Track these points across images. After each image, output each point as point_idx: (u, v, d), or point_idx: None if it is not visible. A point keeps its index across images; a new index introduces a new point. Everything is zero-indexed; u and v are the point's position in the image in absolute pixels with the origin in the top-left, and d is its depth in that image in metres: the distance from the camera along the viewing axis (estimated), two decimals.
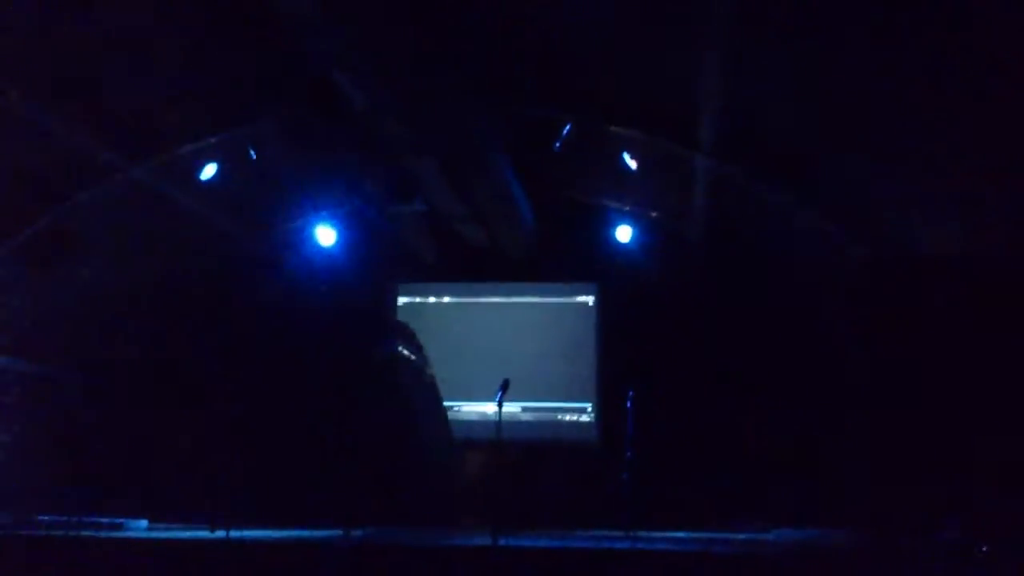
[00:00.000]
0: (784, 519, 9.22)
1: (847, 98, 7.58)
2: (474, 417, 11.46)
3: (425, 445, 10.28)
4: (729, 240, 10.84)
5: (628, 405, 8.59)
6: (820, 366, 9.98)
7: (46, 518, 8.74)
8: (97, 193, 9.80)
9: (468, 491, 11.19)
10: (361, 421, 9.82)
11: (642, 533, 8.00)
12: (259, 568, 6.59)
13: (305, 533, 8.50)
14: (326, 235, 11.35)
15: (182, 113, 9.31)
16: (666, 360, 10.84)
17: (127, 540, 7.70)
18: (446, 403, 11.50)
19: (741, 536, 9.04)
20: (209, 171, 9.83)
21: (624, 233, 10.97)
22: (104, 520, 8.93)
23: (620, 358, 11.17)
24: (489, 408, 10.78)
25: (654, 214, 11.29)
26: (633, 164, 9.58)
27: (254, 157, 9.76)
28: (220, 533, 7.71)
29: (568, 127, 9.39)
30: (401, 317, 12.04)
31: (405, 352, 10.47)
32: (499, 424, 7.24)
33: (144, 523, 9.40)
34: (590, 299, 11.81)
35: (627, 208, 11.26)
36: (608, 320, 11.66)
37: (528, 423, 11.33)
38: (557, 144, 9.48)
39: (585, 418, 11.44)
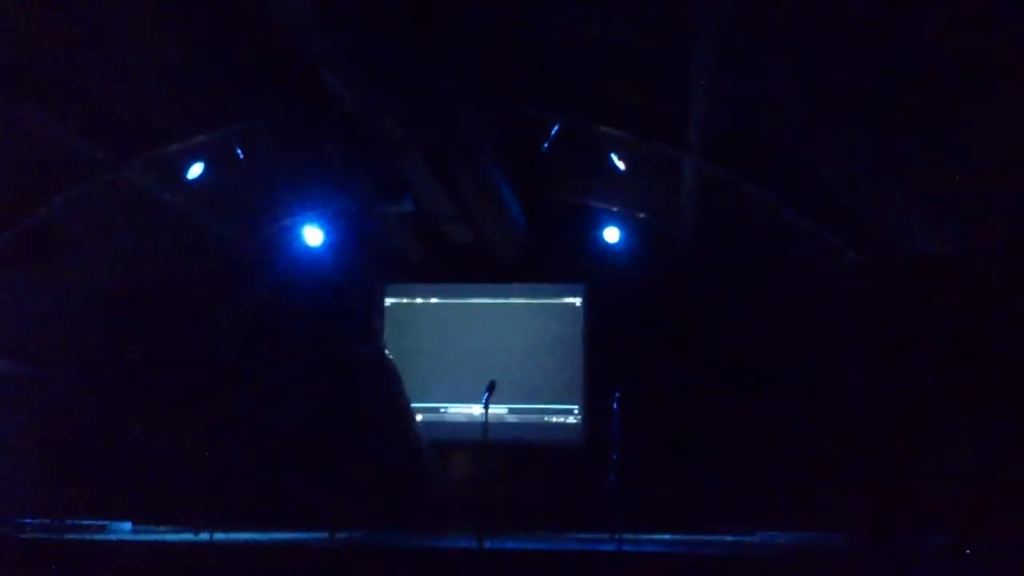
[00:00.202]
0: (770, 521, 9.24)
1: (839, 98, 7.59)
2: (460, 419, 11.44)
3: (413, 445, 10.26)
4: (718, 241, 10.86)
5: (615, 407, 8.57)
6: (809, 368, 10.00)
7: (30, 520, 8.69)
8: (83, 193, 9.74)
9: (454, 493, 11.16)
10: (350, 421, 9.79)
11: (629, 535, 7.98)
12: (244, 570, 6.57)
13: (290, 536, 8.47)
14: (313, 235, 11.32)
15: (169, 112, 9.27)
16: (654, 361, 10.84)
17: (111, 542, 7.67)
18: (433, 404, 11.49)
19: (727, 538, 9.06)
20: (196, 170, 9.78)
21: (612, 234, 10.97)
22: (88, 522, 8.89)
23: (607, 359, 11.15)
24: (475, 410, 10.76)
25: (642, 215, 11.29)
26: (621, 165, 9.57)
27: (241, 156, 9.71)
28: (205, 535, 7.68)
29: (556, 127, 9.38)
30: (388, 318, 12.02)
31: (387, 351, 10.46)
32: (485, 426, 7.23)
33: (128, 525, 9.35)
34: (577, 300, 11.80)
35: (615, 209, 11.26)
36: (595, 321, 11.65)
37: (514, 425, 11.32)
38: (545, 144, 9.46)
39: (572, 420, 11.43)
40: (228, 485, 9.40)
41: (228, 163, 9.78)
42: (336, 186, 10.43)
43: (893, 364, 7.28)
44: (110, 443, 10.77)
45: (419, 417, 11.45)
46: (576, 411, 11.44)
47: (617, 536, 7.87)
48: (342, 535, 8.17)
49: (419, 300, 12.12)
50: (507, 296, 11.96)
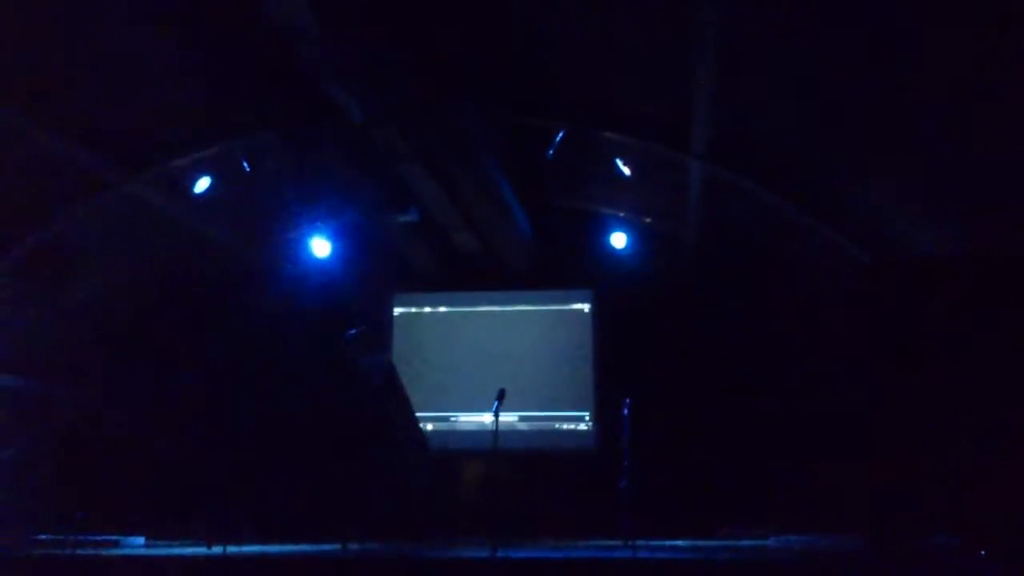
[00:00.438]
0: (784, 525, 9.19)
1: (843, 101, 7.57)
2: (471, 427, 11.43)
3: (426, 454, 10.25)
4: (725, 245, 10.83)
5: (625, 413, 8.55)
6: (818, 371, 9.96)
7: (43, 536, 8.70)
8: (92, 208, 9.77)
9: (466, 502, 11.15)
10: (363, 432, 9.77)
11: (642, 542, 7.96)
12: None
13: (303, 548, 8.46)
14: (321, 246, 11.32)
15: (175, 126, 9.30)
16: (664, 365, 10.82)
17: (124, 558, 7.65)
18: (443, 413, 11.49)
19: (742, 543, 9.02)
20: (203, 184, 9.80)
21: (619, 239, 10.95)
22: (101, 538, 8.88)
23: (617, 365, 11.14)
24: (486, 418, 10.75)
25: (649, 220, 11.28)
26: (627, 170, 9.56)
27: (248, 169, 9.73)
28: (217, 549, 7.67)
29: (561, 134, 9.37)
30: (397, 327, 12.02)
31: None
32: (495, 434, 7.21)
33: (141, 540, 9.35)
34: (586, 306, 11.79)
35: (622, 214, 11.24)
36: (604, 327, 11.63)
37: (525, 433, 11.30)
38: (550, 151, 9.46)
39: (583, 426, 11.41)
40: (240, 498, 9.40)
41: (234, 176, 9.79)
42: (343, 197, 10.45)
43: (903, 365, 7.25)
44: (122, 457, 10.78)
45: (430, 426, 11.47)
46: (587, 418, 11.41)
47: (631, 543, 7.85)
48: (355, 547, 8.16)
49: (427, 309, 12.12)
50: (515, 303, 11.96)
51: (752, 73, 7.69)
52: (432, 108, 8.12)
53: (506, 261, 11.47)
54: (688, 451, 10.37)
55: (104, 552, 8.01)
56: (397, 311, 12.14)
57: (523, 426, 11.33)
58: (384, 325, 11.95)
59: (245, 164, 9.70)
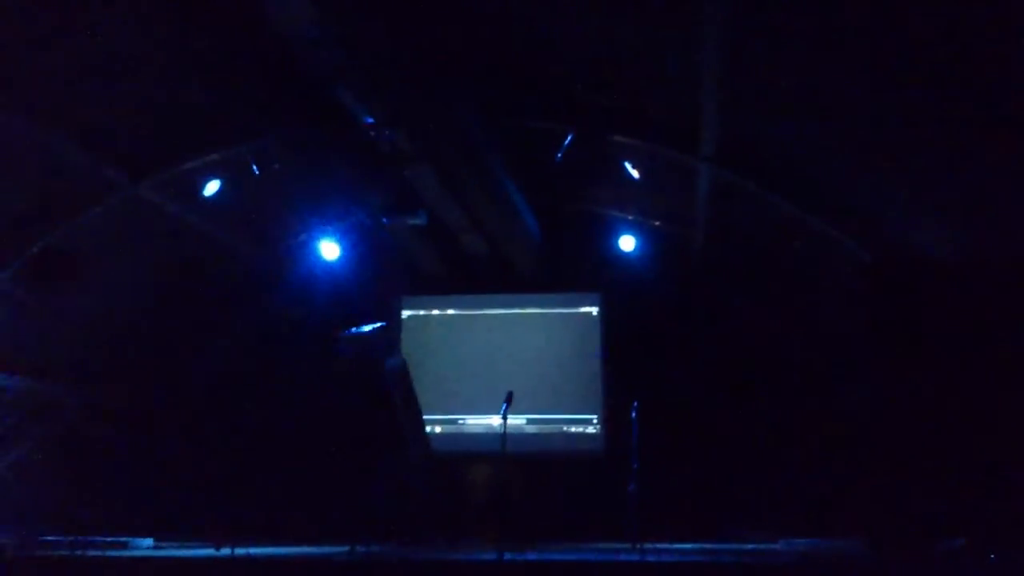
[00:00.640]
0: (792, 528, 9.18)
1: (849, 103, 7.56)
2: (479, 430, 11.43)
3: (430, 457, 10.24)
4: (733, 247, 10.82)
5: (633, 416, 8.55)
6: (826, 373, 9.95)
7: (51, 538, 8.73)
8: (100, 211, 9.80)
9: (474, 505, 11.16)
10: (372, 434, 9.77)
11: (649, 545, 7.95)
12: None
13: (311, 550, 8.47)
14: (330, 249, 11.35)
15: (184, 130, 9.32)
16: (671, 368, 10.83)
17: (132, 559, 7.68)
18: (451, 416, 11.51)
19: (749, 546, 9.00)
20: (212, 187, 9.83)
21: (627, 242, 10.94)
22: (109, 539, 8.91)
23: (625, 367, 11.14)
24: (494, 421, 10.76)
25: (657, 223, 11.27)
26: (635, 173, 9.56)
27: (257, 173, 9.75)
28: (225, 551, 7.68)
29: (569, 137, 9.38)
30: (405, 330, 12.03)
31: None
32: (503, 437, 7.21)
33: (149, 541, 9.37)
34: (594, 309, 11.79)
35: (630, 217, 11.24)
36: (612, 330, 11.62)
37: (533, 435, 11.30)
38: (559, 155, 9.46)
39: (591, 429, 11.40)
40: (248, 500, 9.42)
41: (244, 180, 9.82)
42: (351, 200, 10.47)
43: (909, 366, 7.24)
44: (130, 459, 10.81)
45: (438, 429, 11.48)
46: (595, 420, 11.40)
47: (638, 545, 7.84)
48: (362, 549, 8.16)
49: (436, 312, 12.13)
50: (523, 306, 11.96)
51: (759, 76, 7.68)
52: (440, 111, 8.13)
53: (514, 264, 11.47)
54: (696, 454, 10.36)
55: (112, 554, 8.03)
56: (405, 314, 12.15)
57: (531, 429, 11.32)
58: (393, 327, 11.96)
59: (254, 167, 9.71)
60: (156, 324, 11.31)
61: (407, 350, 11.89)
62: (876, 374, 7.73)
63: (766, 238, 10.36)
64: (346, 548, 8.14)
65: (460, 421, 11.54)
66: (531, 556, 7.01)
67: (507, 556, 6.57)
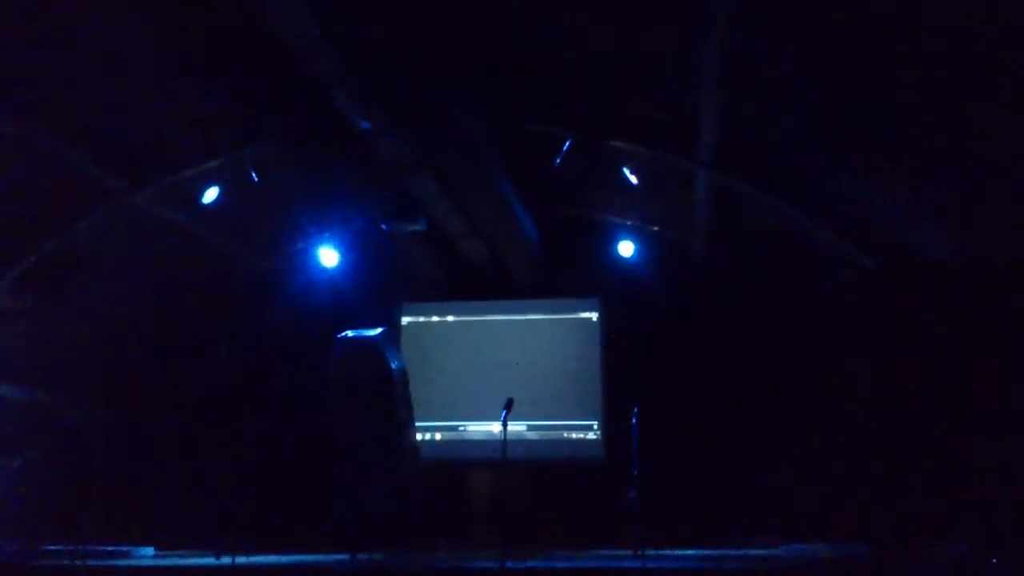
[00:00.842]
0: (794, 533, 9.17)
1: (849, 107, 7.56)
2: (480, 437, 11.41)
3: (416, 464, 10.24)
4: (732, 252, 10.83)
5: (633, 421, 8.54)
6: (827, 378, 9.94)
7: (52, 547, 8.71)
8: (99, 219, 9.80)
9: (474, 512, 11.14)
10: (376, 438, 9.74)
11: (651, 551, 7.94)
12: None
13: (311, 558, 8.45)
14: (329, 256, 11.34)
15: (182, 137, 9.32)
16: (672, 374, 10.82)
17: (133, 568, 7.66)
18: (451, 423, 11.49)
19: (752, 552, 8.98)
20: (211, 194, 9.82)
21: (626, 248, 10.94)
22: (110, 548, 8.89)
23: (625, 374, 11.13)
24: (494, 427, 10.74)
25: (656, 228, 11.27)
26: (634, 178, 9.56)
27: (256, 180, 9.75)
28: (226, 559, 7.66)
29: (568, 143, 9.38)
30: (405, 336, 12.02)
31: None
32: (504, 443, 7.20)
33: (150, 550, 9.36)
34: (594, 315, 11.78)
35: (629, 222, 11.25)
36: (612, 335, 11.61)
37: (534, 442, 11.28)
38: (557, 160, 9.46)
39: (591, 435, 11.38)
40: (249, 508, 9.40)
41: (242, 186, 9.81)
42: (350, 206, 10.46)
43: (912, 371, 7.22)
44: (130, 468, 10.79)
45: (438, 436, 11.48)
46: (595, 427, 11.39)
47: (640, 552, 7.83)
48: (363, 556, 8.14)
49: (435, 318, 12.12)
50: (523, 312, 11.95)
51: (759, 80, 7.68)
52: (439, 116, 8.12)
53: (514, 270, 11.47)
54: (697, 460, 10.35)
55: (113, 563, 8.01)
56: (405, 320, 12.14)
57: (531, 435, 11.31)
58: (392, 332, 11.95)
59: (253, 174, 9.70)
60: (155, 332, 11.31)
61: (406, 357, 11.88)
62: (877, 378, 7.70)
63: (765, 242, 10.36)
64: (347, 556, 8.12)
65: (460, 428, 11.52)
66: (532, 563, 6.99)
67: (508, 564, 6.55)
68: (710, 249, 10.71)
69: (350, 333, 8.89)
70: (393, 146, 8.59)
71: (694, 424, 10.51)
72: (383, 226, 10.24)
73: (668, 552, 8.57)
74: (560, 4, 7.71)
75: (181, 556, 9.08)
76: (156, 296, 11.21)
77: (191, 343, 11.61)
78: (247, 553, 7.87)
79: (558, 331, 11.84)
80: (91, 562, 7.55)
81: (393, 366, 8.76)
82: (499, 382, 11.02)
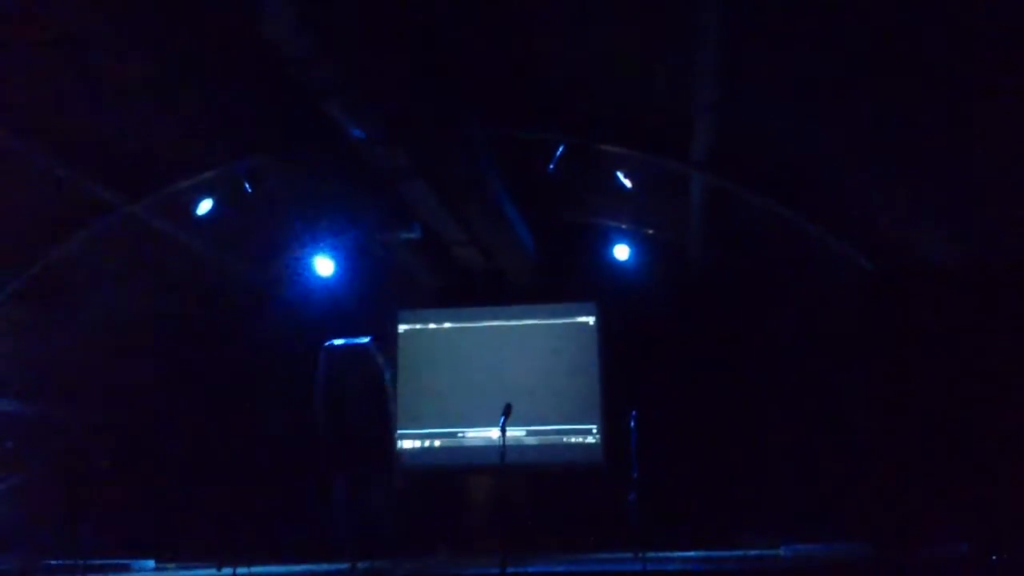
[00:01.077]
0: (794, 534, 9.18)
1: (846, 108, 7.57)
2: (479, 443, 11.41)
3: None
4: (728, 254, 10.84)
5: (632, 425, 8.54)
6: (826, 379, 9.95)
7: (54, 561, 8.70)
8: (94, 233, 9.79)
9: (475, 518, 11.13)
10: (368, 444, 9.75)
11: (652, 554, 7.94)
12: None
13: (312, 567, 8.45)
14: (324, 265, 11.34)
15: (176, 149, 9.32)
16: (670, 376, 10.82)
17: None
18: (450, 429, 11.51)
19: (752, 553, 8.99)
20: (205, 206, 9.82)
21: (622, 251, 10.95)
22: (111, 561, 8.89)
23: (623, 377, 11.14)
24: (493, 434, 10.74)
25: (651, 231, 11.29)
26: (628, 182, 9.57)
27: (250, 190, 9.75)
28: (227, 571, 7.67)
29: (561, 148, 9.39)
30: (402, 344, 12.03)
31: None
32: (503, 449, 7.20)
33: (151, 563, 9.35)
34: (591, 319, 11.79)
35: (624, 226, 11.26)
36: (610, 339, 11.63)
37: (533, 447, 11.28)
38: (551, 165, 9.47)
39: (590, 440, 11.39)
40: (249, 519, 9.39)
41: (237, 198, 9.81)
42: (345, 215, 10.46)
43: (910, 372, 7.24)
44: (129, 481, 10.77)
45: (437, 443, 11.49)
46: (594, 431, 11.39)
47: (641, 555, 7.83)
48: (364, 565, 8.14)
49: (432, 326, 12.12)
50: (520, 318, 11.96)
51: (753, 82, 7.69)
52: (432, 125, 8.13)
53: (510, 276, 11.47)
54: (696, 462, 10.36)
55: None
56: (401, 328, 12.14)
57: (531, 440, 11.31)
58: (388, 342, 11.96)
59: (247, 185, 9.71)
60: (153, 344, 11.29)
61: (404, 364, 11.91)
62: (876, 379, 7.72)
63: (761, 244, 10.38)
64: (347, 565, 8.12)
65: (459, 434, 11.52)
66: (533, 568, 7.00)
67: (510, 569, 6.55)
68: (707, 251, 10.72)
69: (338, 341, 8.90)
70: (387, 154, 8.60)
71: (693, 426, 10.52)
72: (378, 235, 10.25)
73: (669, 554, 8.57)
74: (552, 10, 7.72)
75: (182, 568, 9.08)
76: (153, 308, 11.19)
77: (188, 355, 11.60)
78: (248, 564, 7.87)
79: (555, 336, 11.85)
80: (91, 575, 7.55)
81: (389, 373, 8.77)
82: (497, 388, 11.03)
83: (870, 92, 7.18)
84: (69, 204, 9.34)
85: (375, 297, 11.89)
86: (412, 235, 10.29)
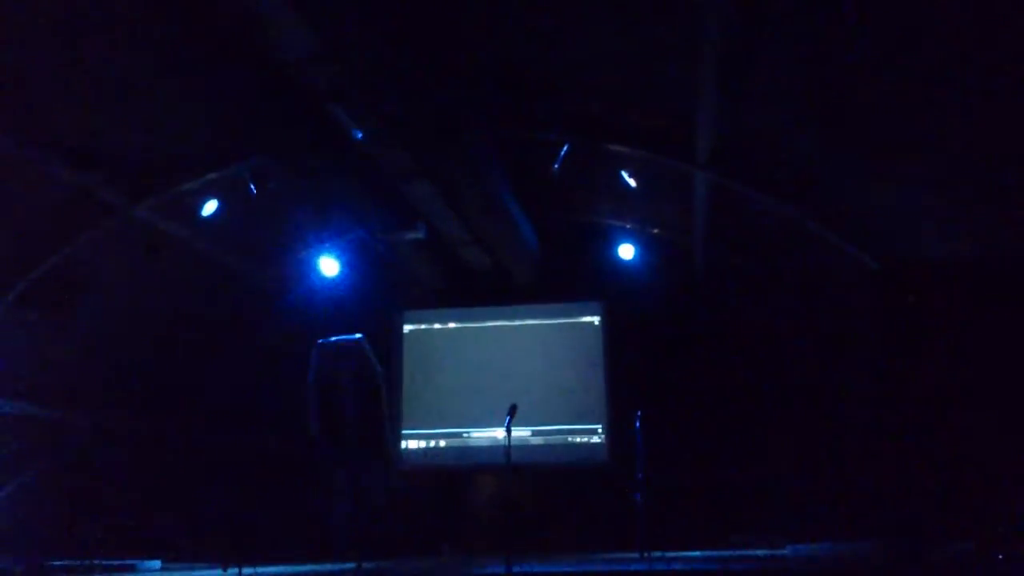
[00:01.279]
0: (800, 534, 9.16)
1: (849, 106, 7.56)
2: (484, 443, 11.42)
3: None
4: (732, 254, 10.83)
5: (637, 425, 8.54)
6: (831, 378, 9.94)
7: (59, 562, 8.72)
8: (100, 235, 9.81)
9: (481, 517, 11.13)
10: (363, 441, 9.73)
11: (657, 554, 7.93)
12: None
13: (317, 567, 8.45)
14: (329, 266, 11.34)
15: (180, 151, 9.34)
16: (675, 375, 10.82)
17: None
18: (456, 429, 11.51)
19: (758, 552, 8.98)
20: (211, 207, 9.84)
21: (627, 251, 10.93)
22: (116, 562, 8.90)
23: (628, 377, 11.14)
24: (499, 434, 10.74)
25: (656, 231, 11.28)
26: (632, 182, 9.57)
27: (255, 191, 9.76)
28: (233, 571, 7.67)
29: (566, 148, 9.39)
30: (407, 345, 12.04)
31: None
32: (508, 449, 7.20)
33: (157, 564, 9.36)
34: (596, 318, 11.79)
35: (629, 226, 11.26)
36: (615, 338, 11.62)
37: (539, 447, 11.29)
38: (556, 165, 9.47)
39: (596, 439, 11.39)
40: (254, 520, 9.40)
41: (241, 199, 9.83)
42: (350, 216, 10.47)
43: (915, 370, 7.23)
44: (135, 482, 10.80)
45: (443, 443, 11.50)
46: (600, 430, 11.39)
47: (646, 555, 7.83)
48: (369, 565, 8.15)
49: (437, 326, 12.13)
50: (525, 318, 11.96)
51: (757, 81, 7.68)
52: (436, 126, 8.13)
53: (515, 275, 11.48)
54: (702, 461, 10.35)
55: None
56: (407, 328, 12.15)
57: (536, 440, 11.31)
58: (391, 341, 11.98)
59: (252, 186, 9.72)
60: (158, 345, 11.31)
61: (409, 364, 11.92)
62: (882, 378, 7.71)
63: (765, 243, 10.36)
64: (354, 564, 8.12)
65: (465, 435, 11.53)
66: (539, 567, 7.00)
67: (515, 568, 6.55)
68: (711, 251, 10.71)
69: (331, 339, 8.91)
70: (391, 155, 8.61)
71: (699, 426, 10.51)
72: (383, 235, 10.25)
73: (674, 554, 8.56)
74: (555, 10, 7.72)
75: (187, 569, 9.09)
76: (159, 310, 11.21)
77: (194, 356, 11.62)
78: (253, 564, 7.88)
79: (560, 336, 11.85)
80: None
81: (376, 368, 8.75)
82: (502, 388, 11.04)
83: (873, 91, 7.17)
84: (75, 206, 9.35)
85: (380, 297, 11.91)
86: (417, 235, 10.29)
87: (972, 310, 7.12)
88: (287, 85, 7.70)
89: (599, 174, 9.81)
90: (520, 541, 7.42)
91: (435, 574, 7.46)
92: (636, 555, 8.22)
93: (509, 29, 8.16)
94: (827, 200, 9.06)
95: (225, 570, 8.10)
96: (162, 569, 9.28)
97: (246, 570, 7.53)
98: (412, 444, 11.66)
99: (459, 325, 12.11)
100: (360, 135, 8.15)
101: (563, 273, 11.69)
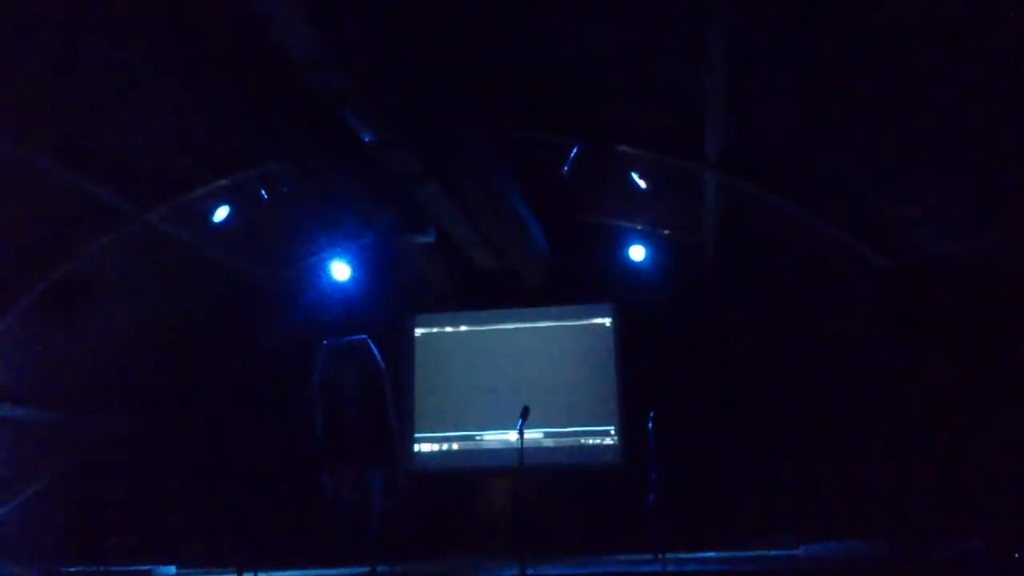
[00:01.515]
0: (813, 533, 9.14)
1: (859, 107, 7.54)
2: (497, 446, 11.42)
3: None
4: (744, 255, 10.81)
5: (649, 426, 8.53)
6: (842, 379, 9.91)
7: (74, 568, 8.75)
8: (111, 241, 9.85)
9: (494, 520, 11.13)
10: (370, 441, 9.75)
11: (671, 555, 7.92)
12: None
13: (332, 572, 8.47)
14: (340, 270, 11.37)
15: (191, 157, 9.37)
16: (687, 377, 10.80)
17: None
18: (468, 432, 11.53)
19: (771, 553, 8.97)
20: (222, 213, 9.87)
21: (638, 252, 10.92)
22: (131, 568, 8.93)
23: (640, 378, 11.12)
24: (511, 436, 10.75)
25: (667, 232, 11.27)
26: (643, 183, 9.56)
27: (265, 196, 9.79)
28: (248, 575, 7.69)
29: (575, 150, 9.39)
30: (418, 348, 12.05)
31: None
32: (521, 451, 7.21)
33: (172, 569, 9.39)
34: (607, 320, 11.78)
35: (639, 227, 11.24)
36: (626, 340, 11.61)
37: (551, 449, 11.29)
38: (565, 167, 9.47)
39: (608, 441, 11.38)
40: (269, 524, 9.42)
41: (252, 204, 9.86)
42: (360, 220, 10.50)
43: (928, 370, 7.20)
44: (149, 487, 10.83)
45: (455, 446, 11.52)
46: (612, 432, 11.38)
47: (660, 556, 7.82)
48: (384, 568, 8.16)
49: (448, 329, 12.14)
50: (536, 320, 11.96)
51: (766, 81, 7.68)
52: (445, 128, 8.14)
53: (526, 278, 11.47)
54: (714, 462, 10.33)
55: None
56: (418, 332, 12.17)
57: (548, 442, 11.31)
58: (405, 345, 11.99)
59: (262, 191, 9.75)
60: (170, 351, 11.35)
61: (420, 367, 11.93)
62: (893, 377, 7.67)
63: (777, 244, 10.34)
64: (368, 568, 8.14)
65: (477, 437, 11.54)
66: (553, 570, 7.00)
67: (529, 571, 6.56)
68: (722, 251, 10.69)
69: (336, 340, 8.94)
70: (400, 159, 8.62)
71: (711, 427, 10.49)
72: (393, 238, 10.27)
73: (687, 555, 8.56)
74: (562, 11, 7.72)
75: (203, 574, 9.11)
76: (170, 315, 11.25)
77: (206, 361, 11.66)
78: (268, 569, 7.90)
79: (572, 337, 11.85)
80: None
81: (381, 368, 8.76)
82: (514, 390, 11.04)
83: (882, 90, 7.15)
84: (85, 212, 9.40)
85: (391, 301, 11.92)
86: (428, 239, 10.30)
87: (983, 309, 7.08)
88: (297, 89, 7.72)
89: (609, 175, 9.80)
90: (533, 543, 7.41)
91: None
92: (650, 556, 8.21)
93: (516, 31, 8.17)
94: (838, 199, 9.03)
95: (240, 574, 8.12)
96: (177, 574, 9.30)
97: (261, 574, 7.55)
98: (425, 447, 11.67)
99: (470, 328, 12.12)
100: (368, 139, 8.16)
101: (574, 275, 11.69)
